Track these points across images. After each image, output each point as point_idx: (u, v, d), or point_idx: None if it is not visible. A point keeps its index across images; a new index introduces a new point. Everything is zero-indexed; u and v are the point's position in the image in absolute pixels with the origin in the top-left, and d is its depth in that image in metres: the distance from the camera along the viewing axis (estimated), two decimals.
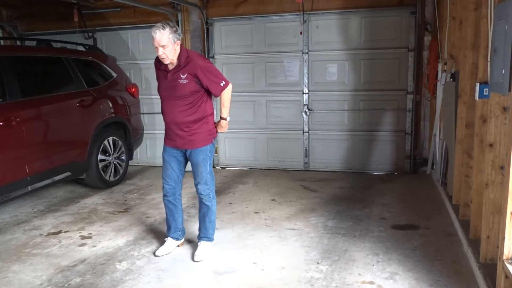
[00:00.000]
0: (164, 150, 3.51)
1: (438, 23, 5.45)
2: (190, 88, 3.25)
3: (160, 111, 3.48)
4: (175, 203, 3.59)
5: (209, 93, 3.39)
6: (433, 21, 5.67)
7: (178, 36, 3.19)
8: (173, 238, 3.67)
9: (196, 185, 3.49)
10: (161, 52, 3.14)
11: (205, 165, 3.43)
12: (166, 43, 3.11)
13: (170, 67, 3.28)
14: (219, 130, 3.53)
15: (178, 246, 3.71)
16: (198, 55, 3.44)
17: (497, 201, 2.80)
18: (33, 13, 7.17)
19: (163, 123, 3.48)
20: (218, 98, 3.46)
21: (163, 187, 3.56)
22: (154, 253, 3.59)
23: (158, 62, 3.35)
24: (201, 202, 3.55)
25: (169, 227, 3.68)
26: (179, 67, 3.25)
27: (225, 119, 3.51)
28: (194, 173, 3.47)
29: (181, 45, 3.26)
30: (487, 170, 2.91)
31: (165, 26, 3.13)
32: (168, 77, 3.28)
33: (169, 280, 3.16)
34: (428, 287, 2.96)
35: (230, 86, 3.39)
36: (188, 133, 3.34)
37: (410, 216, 4.35)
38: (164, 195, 3.58)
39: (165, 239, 3.70)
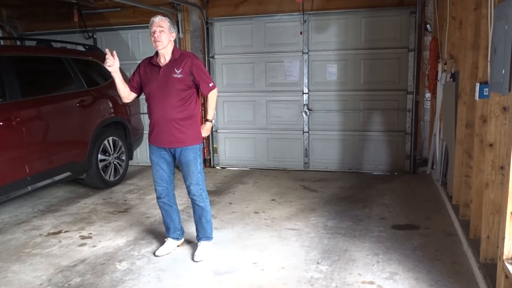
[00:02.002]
0: (151, 152, 3.47)
1: (438, 23, 5.45)
2: (184, 83, 3.28)
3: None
4: (170, 203, 3.58)
5: (198, 93, 3.43)
6: (433, 21, 5.67)
7: (174, 30, 3.34)
8: (173, 238, 3.67)
9: (188, 186, 3.45)
10: (157, 34, 3.19)
11: (196, 164, 3.40)
12: (165, 27, 3.23)
13: (162, 62, 3.31)
14: (202, 133, 3.48)
15: (178, 246, 3.71)
16: (192, 53, 3.52)
17: (497, 201, 2.80)
18: (33, 13, 7.17)
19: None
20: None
21: (155, 189, 3.53)
22: (154, 253, 3.59)
23: (149, 59, 3.41)
24: (194, 204, 3.52)
25: (167, 228, 3.67)
26: (174, 61, 3.29)
27: (210, 121, 3.52)
28: (185, 173, 3.42)
29: (174, 45, 3.36)
30: (487, 170, 2.91)
31: (165, 17, 3.32)
32: (160, 72, 3.29)
33: (169, 280, 3.16)
34: (428, 287, 2.96)
35: (216, 90, 3.48)
36: (179, 130, 3.31)
37: (410, 216, 4.35)
38: (158, 197, 3.55)
39: (165, 240, 3.70)
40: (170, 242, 3.66)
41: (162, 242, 3.72)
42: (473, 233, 3.33)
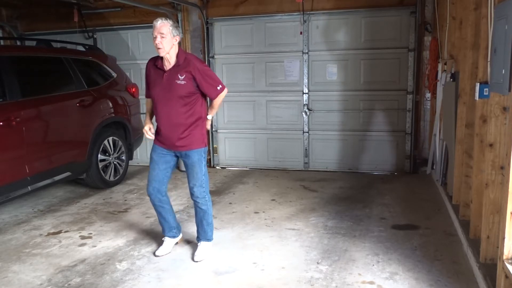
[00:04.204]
0: (153, 150, 3.45)
1: (438, 23, 5.45)
2: (187, 89, 3.24)
3: None
4: (161, 204, 3.54)
5: (203, 96, 3.39)
6: (433, 21, 5.67)
7: (178, 32, 3.24)
8: (169, 236, 3.67)
9: (191, 188, 3.43)
10: (158, 41, 3.13)
11: (201, 166, 3.40)
12: (166, 33, 3.14)
13: (167, 66, 3.27)
14: None
15: (177, 243, 3.71)
16: (196, 58, 3.44)
17: (497, 201, 2.80)
18: (33, 13, 7.17)
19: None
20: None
21: (147, 189, 3.51)
22: (154, 253, 3.59)
23: (154, 60, 3.36)
24: (196, 207, 3.51)
25: (163, 228, 3.67)
26: (178, 67, 3.24)
27: (207, 118, 3.49)
28: (190, 175, 3.42)
29: (179, 46, 3.30)
30: (487, 170, 2.91)
31: (168, 19, 3.22)
32: (164, 77, 3.26)
33: (169, 280, 3.16)
34: (428, 287, 2.96)
35: (225, 91, 3.42)
36: (183, 134, 3.30)
37: (410, 216, 4.35)
38: (149, 196, 3.53)
39: (162, 239, 3.70)
40: (168, 241, 3.66)
41: (161, 242, 3.71)
42: (473, 233, 3.33)
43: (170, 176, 3.56)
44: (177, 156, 3.44)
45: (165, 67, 3.28)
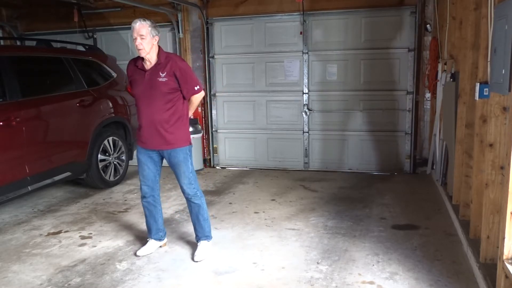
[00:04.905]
0: (138, 151, 3.48)
1: (438, 23, 5.45)
2: (169, 86, 3.28)
3: None
4: (154, 203, 3.57)
5: None
6: (433, 21, 5.67)
7: (156, 32, 3.28)
8: (155, 239, 3.67)
9: (181, 187, 3.46)
10: (138, 42, 3.17)
11: (187, 164, 3.41)
12: (145, 34, 3.18)
13: (148, 66, 3.30)
14: None
15: (161, 246, 3.70)
16: (178, 56, 3.51)
17: (497, 201, 2.80)
18: (33, 13, 7.18)
19: None
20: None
21: (141, 188, 3.54)
22: (135, 253, 3.59)
23: (135, 61, 3.39)
24: (190, 202, 3.52)
25: (150, 230, 3.66)
26: (159, 65, 3.28)
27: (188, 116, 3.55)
28: (178, 174, 3.43)
29: (159, 46, 3.34)
30: (487, 170, 2.91)
31: (146, 19, 3.24)
32: (146, 76, 3.29)
33: (169, 280, 3.16)
34: (428, 287, 2.96)
35: (202, 93, 3.45)
36: (167, 131, 3.32)
37: (410, 216, 4.35)
38: (143, 197, 3.56)
39: (147, 240, 3.69)
40: (152, 243, 3.66)
41: (145, 243, 3.70)
42: (473, 233, 3.33)
43: (160, 175, 3.58)
44: (162, 156, 3.47)
45: (145, 67, 3.31)
